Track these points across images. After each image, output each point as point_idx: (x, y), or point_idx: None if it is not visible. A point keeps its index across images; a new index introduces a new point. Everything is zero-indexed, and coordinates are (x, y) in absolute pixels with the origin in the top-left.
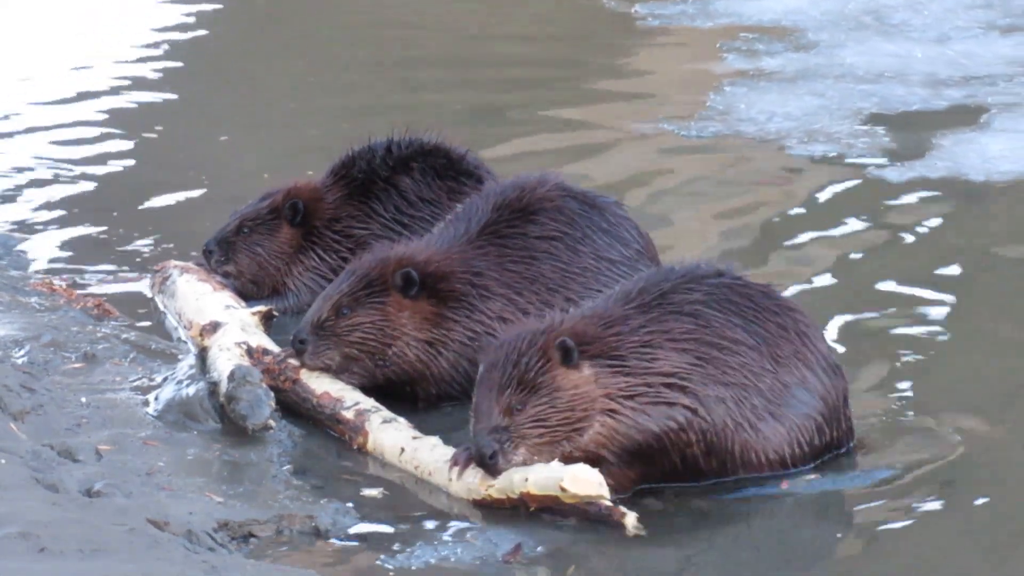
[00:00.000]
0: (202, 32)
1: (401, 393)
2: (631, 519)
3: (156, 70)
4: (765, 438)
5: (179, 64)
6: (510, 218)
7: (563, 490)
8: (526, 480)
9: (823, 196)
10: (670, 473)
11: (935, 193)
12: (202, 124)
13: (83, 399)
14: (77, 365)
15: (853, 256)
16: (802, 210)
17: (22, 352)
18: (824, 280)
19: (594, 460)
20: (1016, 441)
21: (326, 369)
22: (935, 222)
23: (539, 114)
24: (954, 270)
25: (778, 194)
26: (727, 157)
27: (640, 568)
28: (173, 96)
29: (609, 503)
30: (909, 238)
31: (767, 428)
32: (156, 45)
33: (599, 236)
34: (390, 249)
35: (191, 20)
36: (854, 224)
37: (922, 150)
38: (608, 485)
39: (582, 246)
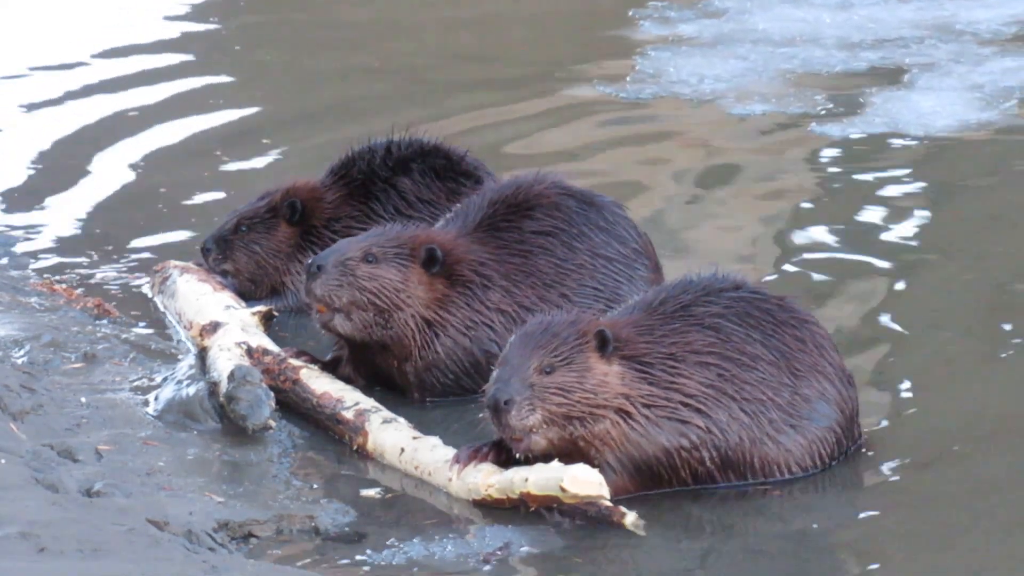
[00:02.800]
0: (202, 33)
1: (396, 386)
2: (631, 518)
3: (156, 70)
4: (787, 451)
5: (179, 64)
6: (506, 213)
7: (563, 490)
8: (526, 480)
9: (774, 151)
10: (682, 485)
11: (880, 146)
12: (202, 124)
13: (83, 399)
14: (77, 365)
15: (813, 208)
16: (758, 165)
17: (22, 352)
18: (794, 235)
19: (597, 464)
20: (1018, 436)
21: (330, 303)
22: (886, 174)
23: (476, 96)
24: (920, 219)
25: (731, 151)
26: (671, 117)
27: (638, 569)
28: (173, 96)
29: (609, 503)
30: (865, 190)
31: (788, 441)
32: (156, 44)
33: (596, 234)
34: (413, 226)
35: (192, 20)
36: (807, 177)
37: (856, 107)
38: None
39: (578, 243)
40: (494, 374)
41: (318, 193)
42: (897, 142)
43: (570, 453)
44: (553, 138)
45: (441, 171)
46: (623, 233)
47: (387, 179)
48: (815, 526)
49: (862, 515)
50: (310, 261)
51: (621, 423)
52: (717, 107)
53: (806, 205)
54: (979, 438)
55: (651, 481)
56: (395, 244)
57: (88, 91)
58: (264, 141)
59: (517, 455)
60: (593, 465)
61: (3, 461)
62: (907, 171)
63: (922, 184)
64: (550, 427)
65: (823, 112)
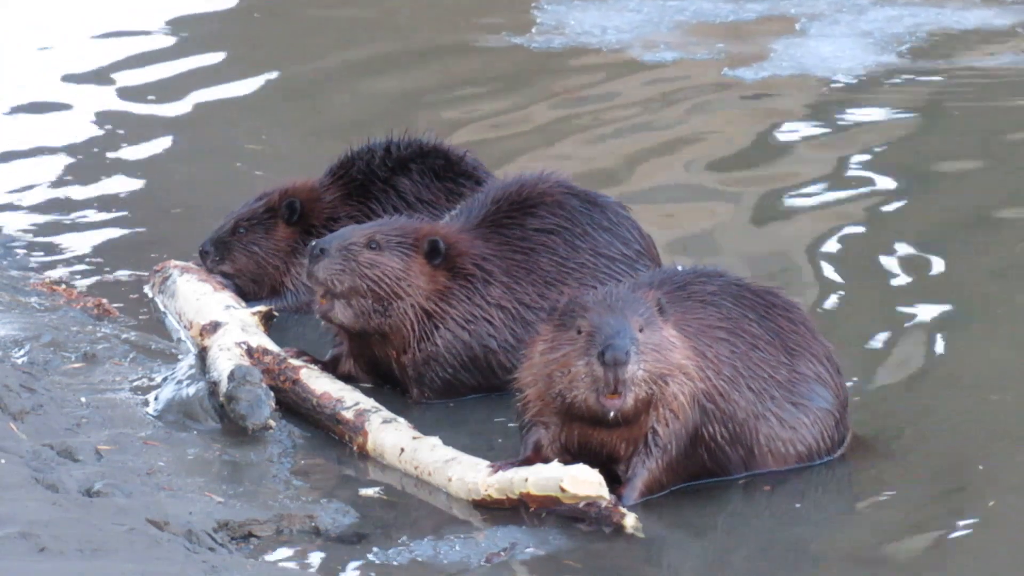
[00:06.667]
0: (202, 33)
1: (395, 381)
2: (630, 519)
3: (156, 69)
4: (791, 427)
5: (180, 64)
6: (509, 210)
7: (563, 491)
8: (526, 480)
9: (696, 96)
10: (698, 471)
11: (798, 88)
12: (202, 125)
13: (83, 399)
14: (77, 365)
15: (754, 154)
16: (686, 110)
17: (22, 352)
18: (734, 174)
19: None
20: (1010, 436)
21: (330, 288)
22: (813, 114)
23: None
24: (862, 160)
25: (659, 96)
26: (591, 67)
27: (638, 569)
28: (173, 96)
29: (609, 504)
30: (799, 131)
31: (791, 418)
32: (156, 43)
33: (599, 233)
34: (417, 218)
35: (191, 20)
36: (740, 119)
37: (759, 54)
38: (645, 488)
39: (581, 242)
40: (594, 337)
41: (316, 194)
42: (811, 83)
43: (631, 424)
44: (502, 97)
45: (440, 171)
46: (626, 234)
47: (386, 179)
48: (818, 528)
49: (866, 516)
50: (313, 244)
51: (685, 386)
52: (628, 56)
53: (744, 142)
54: (983, 433)
55: (680, 465)
56: (399, 233)
57: (86, 89)
58: (265, 142)
59: (611, 415)
60: (633, 449)
61: (3, 461)
62: (835, 109)
63: (857, 119)
64: (644, 385)
65: (728, 58)
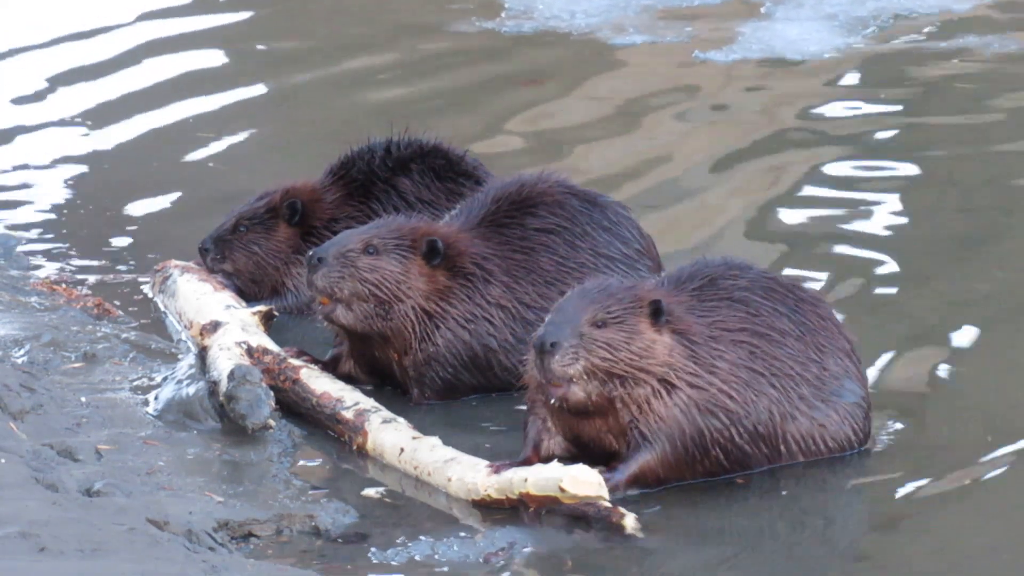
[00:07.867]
0: (201, 33)
1: (396, 383)
2: (630, 520)
3: (155, 68)
4: (820, 425)
5: (179, 63)
6: (509, 210)
7: (562, 491)
8: (525, 481)
9: (669, 78)
10: (711, 471)
11: (768, 70)
12: (203, 125)
13: (83, 399)
14: (77, 365)
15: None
16: (659, 93)
17: (22, 352)
18: (708, 153)
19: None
20: (1009, 425)
21: (331, 294)
22: (782, 95)
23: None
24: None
25: (632, 81)
26: (562, 50)
27: (638, 569)
28: (173, 96)
29: (608, 504)
30: (768, 110)
31: (820, 415)
32: (155, 42)
33: (599, 233)
34: (415, 218)
35: (191, 19)
36: (712, 100)
37: (728, 37)
38: (639, 473)
39: (581, 242)
40: (547, 319)
41: (317, 194)
42: (779, 66)
43: (606, 415)
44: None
45: (440, 171)
46: (626, 234)
47: (386, 179)
48: (814, 526)
49: (866, 515)
50: (311, 253)
51: (664, 395)
52: (598, 40)
53: (728, 127)
54: (993, 434)
55: (683, 464)
56: (396, 236)
57: (85, 88)
58: (265, 143)
59: (552, 401)
60: (626, 444)
61: (3, 461)
62: (807, 89)
63: (830, 100)
64: (590, 380)
65: (698, 41)
